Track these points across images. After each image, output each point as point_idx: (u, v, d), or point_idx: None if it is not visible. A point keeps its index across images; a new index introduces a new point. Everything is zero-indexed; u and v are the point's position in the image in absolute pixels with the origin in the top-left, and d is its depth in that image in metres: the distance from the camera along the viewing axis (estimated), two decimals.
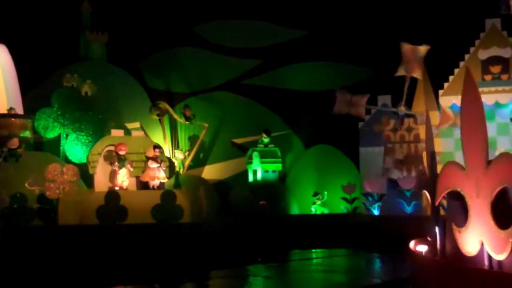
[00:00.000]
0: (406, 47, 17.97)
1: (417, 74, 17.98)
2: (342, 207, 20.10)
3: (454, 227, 6.72)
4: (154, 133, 22.63)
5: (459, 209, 6.72)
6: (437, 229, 7.63)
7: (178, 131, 23.10)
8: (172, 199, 15.96)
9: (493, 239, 5.99)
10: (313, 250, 16.37)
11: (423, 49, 17.80)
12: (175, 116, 22.18)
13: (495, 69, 19.30)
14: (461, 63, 19.75)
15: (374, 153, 19.47)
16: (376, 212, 18.06)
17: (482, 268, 6.15)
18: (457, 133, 19.67)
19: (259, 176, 21.00)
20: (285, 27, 24.06)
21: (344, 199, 19.86)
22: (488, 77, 19.38)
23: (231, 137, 23.34)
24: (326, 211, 20.54)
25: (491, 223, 6.00)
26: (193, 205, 17.28)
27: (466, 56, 19.74)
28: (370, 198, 18.24)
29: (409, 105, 18.88)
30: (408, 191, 17.11)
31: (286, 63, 23.93)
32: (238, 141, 23.19)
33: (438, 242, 7.59)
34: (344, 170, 21.31)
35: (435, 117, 19.65)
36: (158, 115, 21.69)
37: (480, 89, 18.81)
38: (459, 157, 19.51)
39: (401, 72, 18.02)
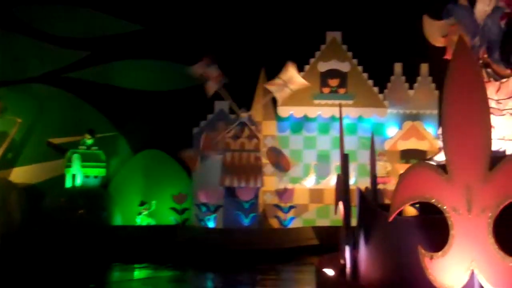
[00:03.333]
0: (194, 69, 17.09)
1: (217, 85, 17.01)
2: (171, 218, 18.40)
3: (422, 251, 4.67)
4: None
5: (428, 227, 4.96)
6: (347, 250, 6.23)
7: None
8: None
9: (497, 270, 4.30)
10: (136, 266, 14.44)
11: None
12: None
13: (333, 82, 19.24)
14: (301, 74, 19.27)
15: (210, 161, 18.12)
16: (211, 224, 16.67)
17: None
18: (292, 143, 19.26)
19: (78, 181, 18.60)
20: (119, 18, 21.86)
21: (174, 209, 18.20)
22: (326, 90, 19.28)
23: (48, 136, 20.60)
24: (153, 222, 18.77)
25: (493, 248, 4.29)
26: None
27: (306, 67, 19.35)
28: (204, 209, 16.83)
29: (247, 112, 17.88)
30: (246, 203, 16.05)
31: (117, 58, 21.72)
32: (56, 140, 20.53)
33: (349, 266, 6.21)
34: (176, 178, 19.77)
35: (272, 126, 19.03)
36: None
37: (317, 102, 18.74)
38: (292, 169, 19.26)
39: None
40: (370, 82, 19.47)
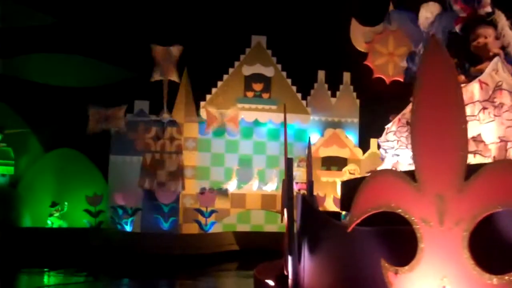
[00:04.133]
0: (158, 49, 16.73)
1: (173, 77, 16.72)
2: (84, 221, 17.50)
3: (385, 265, 4.21)
4: None
5: (391, 239, 4.52)
6: (290, 260, 5.83)
7: None
8: None
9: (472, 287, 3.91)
10: (45, 271, 13.54)
11: (175, 50, 16.65)
12: None
13: (258, 86, 19.04)
14: (225, 76, 19.09)
15: (128, 163, 17.44)
16: (128, 228, 15.96)
17: None
18: (214, 147, 18.89)
19: None
20: (31, 9, 20.58)
21: (88, 211, 17.31)
22: (250, 94, 19.05)
23: None
24: (64, 224, 17.81)
25: (469, 263, 3.90)
26: None
27: (230, 70, 19.05)
28: (121, 212, 16.11)
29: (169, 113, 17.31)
30: (166, 206, 15.48)
31: (28, 51, 20.44)
32: None
33: (291, 277, 5.81)
34: (90, 179, 18.86)
35: (194, 128, 18.58)
36: None
37: (241, 106, 18.49)
38: (213, 173, 18.90)
39: (157, 76, 16.68)
40: (294, 88, 19.43)
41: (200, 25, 19.36)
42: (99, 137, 18.27)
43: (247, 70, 19.23)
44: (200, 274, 13.57)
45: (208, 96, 18.88)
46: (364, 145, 19.77)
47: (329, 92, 20.08)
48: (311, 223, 5.56)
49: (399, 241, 4.24)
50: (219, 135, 19.14)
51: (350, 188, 6.65)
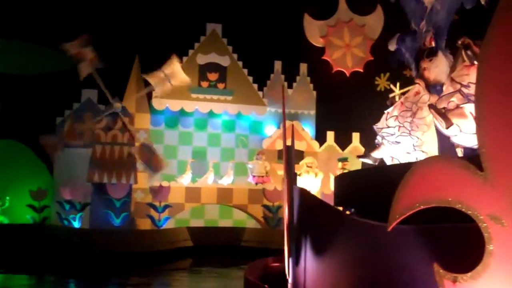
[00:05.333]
0: (69, 47, 15.30)
1: (98, 64, 15.58)
2: (27, 217, 16.48)
3: (440, 271, 3.41)
4: None
5: (443, 240, 3.71)
6: (290, 263, 5.14)
7: None
8: None
9: None
10: None
11: (82, 40, 15.59)
12: None
13: (213, 76, 18.40)
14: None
15: (75, 155, 16.45)
16: (76, 224, 15.05)
17: None
18: (167, 139, 18.13)
19: None
20: None
21: (31, 206, 16.29)
22: (204, 84, 18.42)
23: None
24: (6, 220, 16.78)
25: None
26: None
27: (184, 59, 18.30)
28: (68, 207, 15.20)
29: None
30: (117, 201, 14.68)
31: None
32: None
33: (291, 281, 5.11)
34: (34, 172, 17.82)
35: (146, 119, 17.78)
36: None
37: (195, 96, 17.76)
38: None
39: (84, 73, 15.58)
40: (250, 78, 18.86)
41: (153, 11, 18.49)
42: (43, 128, 17.21)
43: (202, 59, 18.54)
44: (152, 273, 12.93)
45: None
46: (320, 137, 19.39)
47: (286, 83, 19.59)
48: (318, 220, 4.82)
49: (455, 242, 3.50)
50: (172, 126, 18.37)
51: (345, 183, 6.10)
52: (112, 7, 17.72)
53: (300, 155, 18.77)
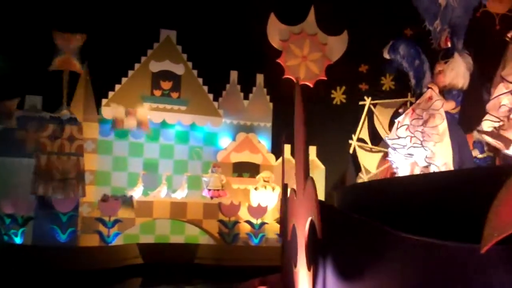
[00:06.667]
0: (59, 36, 15.14)
1: (75, 67, 15.18)
2: None
3: None
4: None
5: None
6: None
7: None
8: None
9: None
10: None
11: (78, 38, 15.13)
12: None
13: (166, 85, 17.70)
14: (130, 72, 17.55)
15: (17, 165, 15.35)
16: (18, 240, 13.94)
17: None
18: (116, 150, 17.25)
19: None
20: None
21: None
22: (157, 93, 17.67)
23: None
24: None
25: None
26: None
27: (136, 66, 17.53)
28: (8, 221, 14.09)
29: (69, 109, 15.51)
30: (64, 215, 13.70)
31: None
32: None
33: None
34: None
35: (94, 128, 16.85)
36: None
37: (148, 105, 17.02)
38: (115, 178, 17.18)
39: (56, 65, 15.04)
40: (205, 88, 18.20)
41: (104, 14, 17.56)
42: None
43: (155, 67, 17.75)
44: None
45: (110, 93, 17.18)
46: (277, 150, 18.89)
47: (242, 94, 19.04)
48: (356, 240, 4.08)
49: None
50: (122, 137, 17.47)
51: (347, 195, 5.56)
52: (61, 8, 16.71)
53: (256, 168, 18.24)
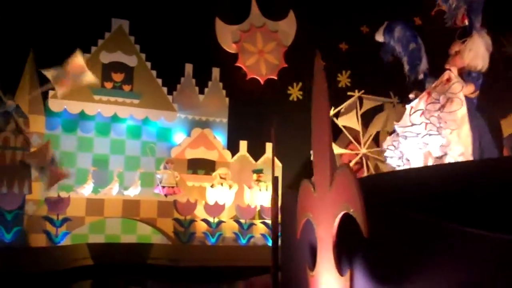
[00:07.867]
0: None
1: None
2: None
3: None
4: None
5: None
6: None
7: None
8: None
9: None
10: None
11: None
12: None
13: (118, 77, 16.95)
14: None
15: None
16: None
17: None
18: (64, 144, 16.41)
19: None
20: None
21: None
22: (108, 85, 16.93)
23: None
24: None
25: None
26: None
27: (86, 56, 16.58)
28: None
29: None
30: (9, 213, 12.81)
31: None
32: None
33: None
34: None
35: (40, 122, 15.94)
36: None
37: (97, 97, 16.22)
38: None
39: None
40: (159, 81, 17.52)
41: (51, 1, 16.64)
42: None
43: (106, 58, 16.97)
44: None
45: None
46: (233, 147, 18.38)
47: (197, 88, 18.44)
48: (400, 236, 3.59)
49: None
50: (70, 131, 16.63)
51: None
52: None
53: (212, 165, 17.69)
